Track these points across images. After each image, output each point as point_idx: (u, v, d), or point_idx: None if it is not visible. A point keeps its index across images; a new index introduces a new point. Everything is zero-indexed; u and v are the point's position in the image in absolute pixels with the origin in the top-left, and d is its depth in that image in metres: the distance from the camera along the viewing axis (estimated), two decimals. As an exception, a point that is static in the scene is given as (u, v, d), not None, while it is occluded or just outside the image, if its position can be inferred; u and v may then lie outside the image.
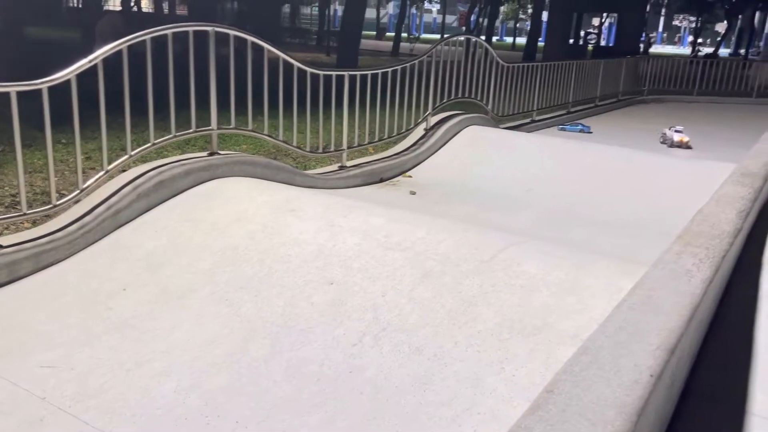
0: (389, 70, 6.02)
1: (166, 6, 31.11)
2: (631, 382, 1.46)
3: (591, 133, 9.48)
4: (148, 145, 4.14)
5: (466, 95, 7.52)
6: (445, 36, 8.25)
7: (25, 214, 3.55)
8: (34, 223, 3.99)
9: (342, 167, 5.72)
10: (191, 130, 4.40)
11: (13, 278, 3.28)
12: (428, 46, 7.31)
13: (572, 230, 4.70)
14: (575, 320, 2.66)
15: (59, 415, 2.38)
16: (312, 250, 3.42)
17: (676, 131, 8.72)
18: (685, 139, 8.56)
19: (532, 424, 1.27)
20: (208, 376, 2.62)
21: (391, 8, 54.45)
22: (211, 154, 4.41)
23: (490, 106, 8.11)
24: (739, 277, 2.72)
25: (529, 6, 38.25)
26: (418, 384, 2.49)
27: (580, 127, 9.73)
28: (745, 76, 14.93)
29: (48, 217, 3.83)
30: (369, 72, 5.86)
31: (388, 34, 43.39)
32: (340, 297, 3.04)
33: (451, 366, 2.55)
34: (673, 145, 8.53)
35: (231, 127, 4.67)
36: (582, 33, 31.79)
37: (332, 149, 5.76)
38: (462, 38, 7.74)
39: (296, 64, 5.04)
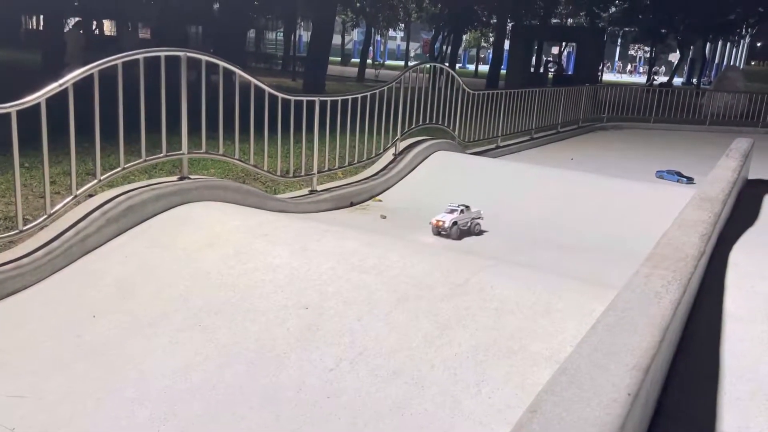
0: (359, 96, 6.09)
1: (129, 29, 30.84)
2: (610, 401, 1.50)
3: (694, 183, 7.67)
4: (119, 169, 4.09)
5: (434, 121, 7.64)
6: (411, 63, 8.39)
7: (-11, 240, 3.46)
8: (-3, 249, 3.89)
9: (312, 191, 5.74)
10: (162, 155, 4.36)
11: (-24, 306, 3.19)
12: (394, 72, 7.43)
13: (540, 253, 4.79)
14: (549, 342, 2.71)
15: (29, 446, 2.31)
16: (286, 275, 3.41)
17: (452, 210, 5.06)
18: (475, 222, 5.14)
19: (518, 444, 1.30)
20: (183, 403, 2.58)
21: (356, 35, 55.04)
22: (181, 179, 4.38)
23: (456, 132, 8.25)
24: (704, 298, 2.82)
25: (491, 35, 39.17)
26: (396, 408, 2.50)
27: (677, 177, 8.03)
28: (698, 104, 15.52)
29: (12, 243, 3.74)
30: (339, 98, 5.93)
31: (353, 60, 43.87)
32: (316, 322, 3.03)
33: (428, 389, 2.57)
34: (449, 234, 4.95)
35: (202, 151, 4.65)
36: (543, 61, 32.69)
37: (303, 173, 5.78)
38: (428, 65, 7.90)
39: (267, 89, 5.07)
